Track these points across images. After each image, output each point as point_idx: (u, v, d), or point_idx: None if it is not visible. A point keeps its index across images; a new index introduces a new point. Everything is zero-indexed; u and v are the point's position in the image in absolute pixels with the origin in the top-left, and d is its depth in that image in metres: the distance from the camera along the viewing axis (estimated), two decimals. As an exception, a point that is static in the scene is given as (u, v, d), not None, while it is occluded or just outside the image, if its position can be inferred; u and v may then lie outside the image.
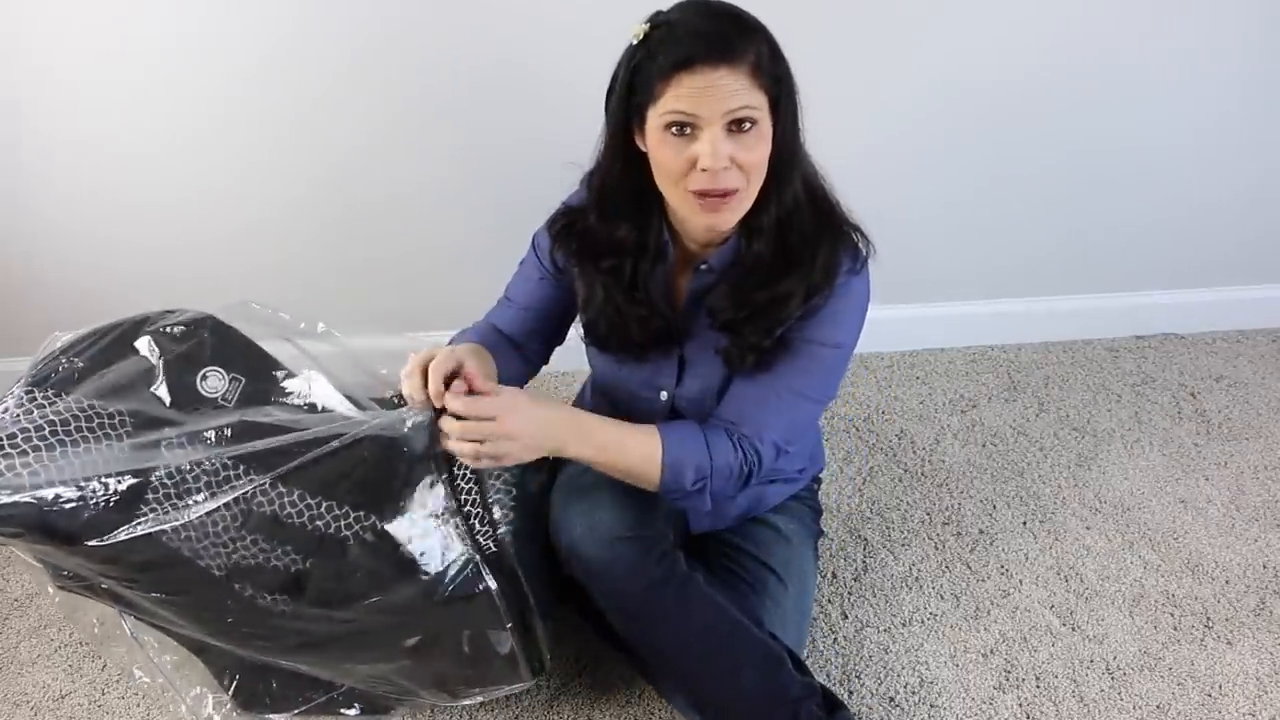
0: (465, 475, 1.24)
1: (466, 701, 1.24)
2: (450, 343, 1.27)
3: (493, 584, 1.04)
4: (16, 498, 0.96)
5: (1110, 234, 1.99)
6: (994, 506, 1.70)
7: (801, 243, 1.09)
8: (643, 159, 1.07)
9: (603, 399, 1.34)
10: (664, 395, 1.24)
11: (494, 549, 1.10)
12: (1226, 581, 1.54)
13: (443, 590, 1.04)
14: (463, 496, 1.21)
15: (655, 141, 1.02)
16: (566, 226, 1.19)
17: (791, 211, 1.08)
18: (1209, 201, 1.96)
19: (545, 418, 1.06)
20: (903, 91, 1.75)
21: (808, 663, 1.37)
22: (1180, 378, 2.01)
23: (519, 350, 1.31)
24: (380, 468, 1.07)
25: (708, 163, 0.98)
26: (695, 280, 1.16)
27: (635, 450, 1.10)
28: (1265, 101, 1.84)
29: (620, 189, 1.11)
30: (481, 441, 1.01)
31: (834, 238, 1.11)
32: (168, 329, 1.21)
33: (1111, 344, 2.11)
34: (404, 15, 1.59)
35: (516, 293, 1.31)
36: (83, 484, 0.99)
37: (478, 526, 1.15)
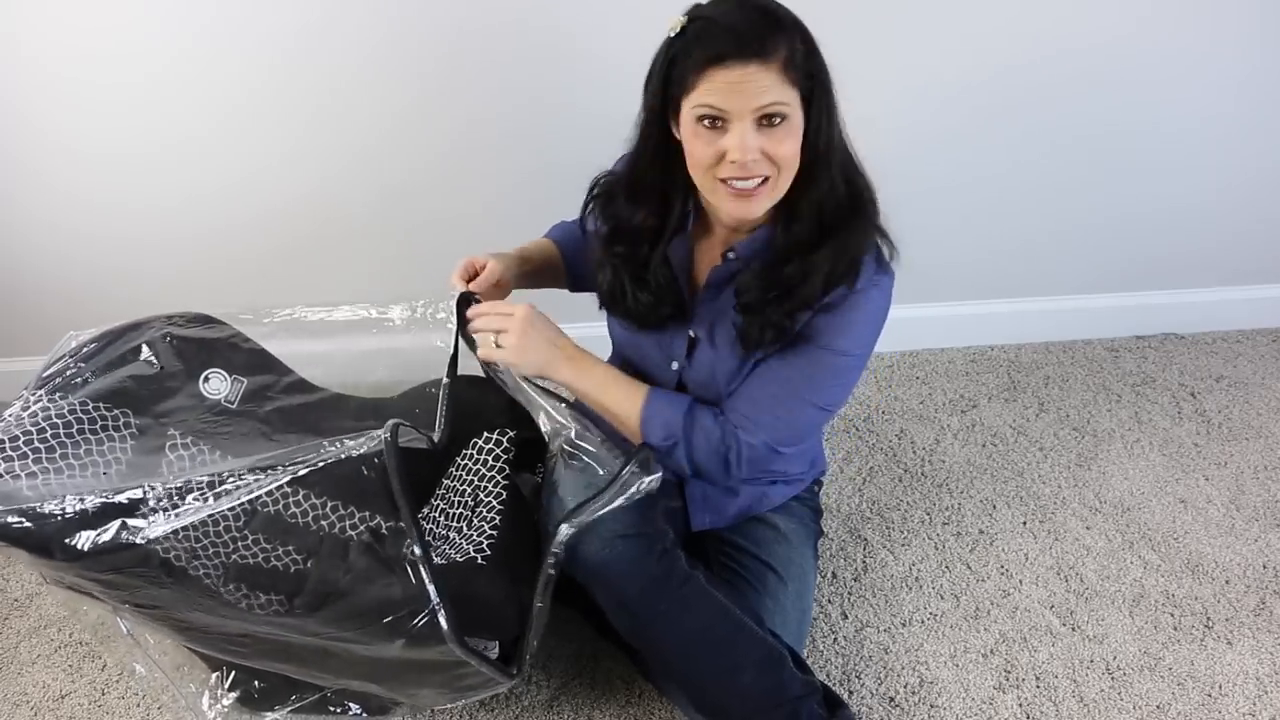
0: (460, 476, 1.24)
1: (449, 704, 1.25)
2: (546, 234, 1.42)
3: (444, 612, 0.99)
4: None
5: (1111, 234, 1.99)
6: (994, 506, 1.70)
7: (835, 222, 1.10)
8: (677, 146, 1.09)
9: (626, 364, 1.35)
10: (674, 365, 1.25)
11: (476, 558, 1.10)
12: (1226, 581, 1.54)
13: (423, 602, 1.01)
14: (454, 498, 1.20)
15: (688, 133, 1.05)
16: (602, 194, 1.22)
17: (826, 199, 1.09)
18: (1210, 201, 1.96)
19: (551, 336, 1.16)
20: (900, 92, 1.75)
21: (808, 662, 1.37)
22: (1180, 378, 2.01)
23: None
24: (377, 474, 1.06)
25: (736, 155, 1.01)
26: (721, 267, 1.17)
27: (617, 393, 1.18)
28: (1266, 101, 1.84)
29: (649, 174, 1.14)
30: (496, 333, 1.13)
31: (864, 229, 1.11)
32: (171, 331, 1.21)
33: (1111, 344, 2.11)
34: (418, 6, 1.59)
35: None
36: (67, 498, 0.98)
37: (464, 530, 1.15)
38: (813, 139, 1.05)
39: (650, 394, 1.18)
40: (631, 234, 1.17)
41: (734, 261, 1.16)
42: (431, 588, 0.96)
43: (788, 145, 1.02)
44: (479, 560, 1.09)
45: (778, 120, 1.00)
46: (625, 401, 1.18)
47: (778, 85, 0.99)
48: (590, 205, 1.23)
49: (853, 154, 1.11)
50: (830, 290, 1.11)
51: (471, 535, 1.13)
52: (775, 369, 1.15)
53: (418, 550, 0.97)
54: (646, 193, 1.15)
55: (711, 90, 0.99)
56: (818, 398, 1.16)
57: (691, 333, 1.22)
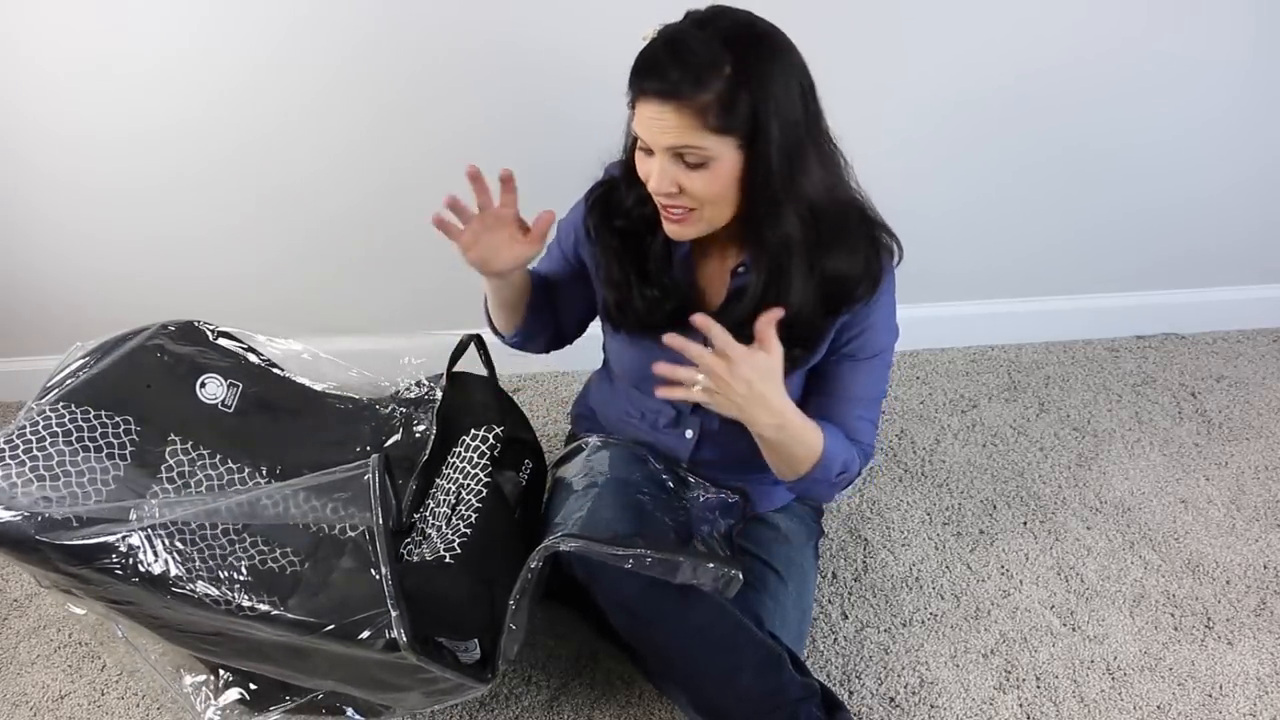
0: (449, 475, 1.24)
1: (436, 707, 1.25)
2: None
3: (397, 623, 0.98)
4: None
5: (1111, 233, 1.99)
6: (994, 506, 1.69)
7: (826, 274, 1.10)
8: None
9: (632, 402, 1.34)
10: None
11: (444, 556, 1.10)
12: (1227, 582, 1.54)
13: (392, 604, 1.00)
14: (441, 495, 1.20)
15: (635, 147, 1.08)
16: (603, 195, 1.22)
17: (786, 247, 1.07)
18: (1210, 201, 1.96)
19: (777, 390, 1.06)
20: (901, 93, 1.75)
21: (808, 663, 1.37)
22: (1181, 378, 2.01)
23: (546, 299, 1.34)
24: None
25: (652, 185, 1.05)
26: (734, 281, 1.18)
27: (807, 439, 1.12)
28: (1265, 100, 1.84)
29: (635, 168, 1.14)
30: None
31: (868, 256, 1.12)
32: (166, 337, 1.22)
33: (1112, 344, 2.11)
34: (405, 6, 1.59)
35: (542, 262, 1.35)
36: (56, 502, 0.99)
37: (442, 529, 1.15)
38: (760, 178, 1.02)
39: (825, 429, 1.15)
40: (630, 213, 1.17)
41: (745, 274, 1.16)
42: (390, 598, 0.97)
43: (701, 184, 1.02)
44: (446, 559, 1.09)
45: (693, 160, 1.01)
46: (811, 437, 1.13)
47: (691, 130, 0.98)
48: (591, 210, 1.23)
49: (831, 179, 1.08)
50: (849, 304, 1.13)
51: (447, 534, 1.13)
52: (844, 387, 1.21)
53: (387, 573, 0.98)
54: (639, 182, 1.14)
55: (639, 119, 1.02)
56: (881, 391, 1.24)
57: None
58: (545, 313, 1.32)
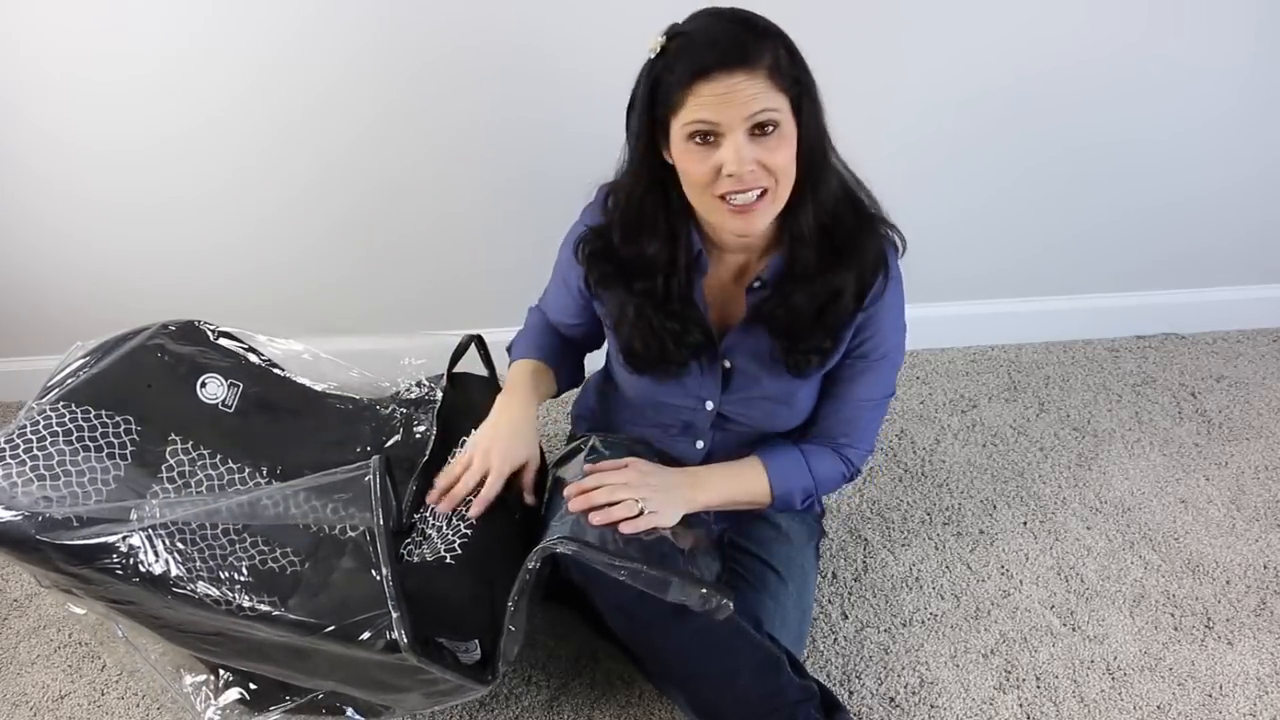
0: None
1: (436, 708, 1.25)
2: (511, 348, 1.36)
3: (398, 624, 0.98)
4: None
5: (1111, 233, 1.99)
6: (994, 506, 1.69)
7: (846, 240, 1.11)
8: (668, 171, 1.08)
9: (638, 413, 1.33)
10: (709, 405, 1.25)
11: (445, 557, 1.10)
12: (1227, 582, 1.54)
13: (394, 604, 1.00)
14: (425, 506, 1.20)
15: (680, 152, 1.03)
16: (598, 249, 1.19)
17: (832, 211, 1.09)
18: (1210, 201, 1.96)
19: (668, 476, 1.18)
20: (902, 94, 1.75)
21: (808, 663, 1.37)
22: (1181, 378, 2.01)
23: (573, 355, 1.38)
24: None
25: (732, 168, 1.00)
26: (751, 297, 1.17)
27: (747, 493, 1.24)
28: (1266, 101, 1.84)
29: (645, 204, 1.12)
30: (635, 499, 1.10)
31: (873, 230, 1.13)
32: (167, 337, 1.22)
33: (1112, 344, 2.11)
34: (409, 6, 1.59)
35: (553, 305, 1.35)
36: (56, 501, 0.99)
37: (443, 529, 1.15)
38: (805, 145, 1.04)
39: (769, 470, 1.23)
40: (647, 267, 1.15)
41: (762, 289, 1.16)
42: (391, 599, 0.97)
43: (782, 153, 1.01)
44: (447, 559, 1.09)
45: (770, 129, 1.00)
46: (754, 488, 1.24)
47: (766, 92, 0.98)
48: (589, 268, 1.20)
49: (840, 158, 1.12)
50: (865, 295, 1.13)
51: (447, 534, 1.13)
52: (851, 389, 1.23)
53: (387, 574, 0.99)
54: (649, 224, 1.13)
55: (700, 105, 0.98)
56: (886, 390, 1.26)
57: (726, 363, 1.22)
58: (568, 363, 1.36)
